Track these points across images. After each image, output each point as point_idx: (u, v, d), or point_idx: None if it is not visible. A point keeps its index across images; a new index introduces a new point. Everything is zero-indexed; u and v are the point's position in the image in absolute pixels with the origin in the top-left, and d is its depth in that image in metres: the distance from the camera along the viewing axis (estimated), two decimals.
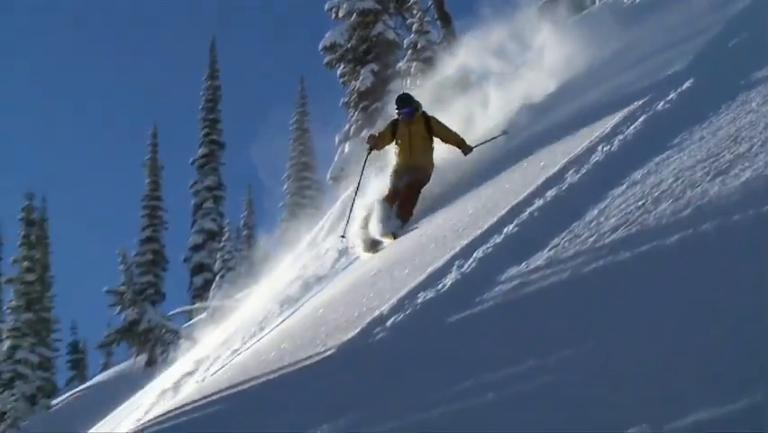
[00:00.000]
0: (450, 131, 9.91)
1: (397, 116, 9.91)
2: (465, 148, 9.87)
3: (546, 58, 13.08)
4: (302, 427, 3.73)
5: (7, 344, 32.60)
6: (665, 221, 3.83)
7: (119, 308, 31.04)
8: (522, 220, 4.81)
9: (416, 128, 9.73)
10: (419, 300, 4.84)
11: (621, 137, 4.97)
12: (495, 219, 5.12)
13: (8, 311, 34.07)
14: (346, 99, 25.47)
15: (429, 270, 5.06)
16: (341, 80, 25.62)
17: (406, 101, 9.84)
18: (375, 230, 8.94)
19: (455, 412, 3.06)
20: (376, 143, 9.91)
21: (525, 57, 14.85)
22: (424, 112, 9.98)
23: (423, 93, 13.74)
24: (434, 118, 9.95)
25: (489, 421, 2.82)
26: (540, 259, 4.39)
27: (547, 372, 2.97)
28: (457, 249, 5.11)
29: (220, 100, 37.49)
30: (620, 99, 6.61)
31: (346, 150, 25.12)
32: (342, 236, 10.49)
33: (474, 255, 4.85)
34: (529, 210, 4.84)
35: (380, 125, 12.49)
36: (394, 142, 9.88)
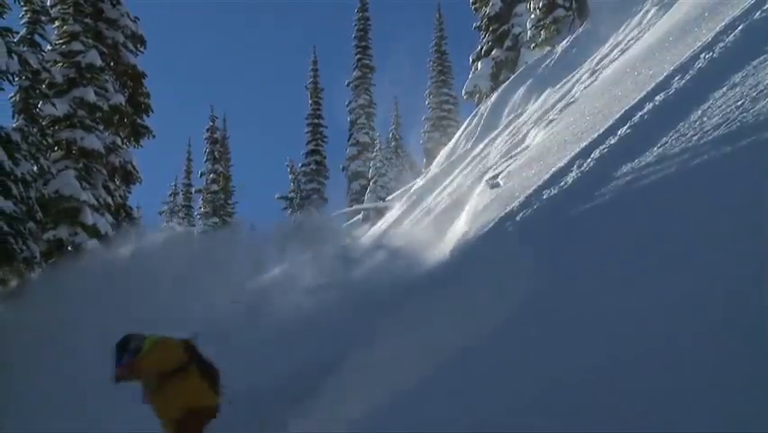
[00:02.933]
0: None
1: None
2: None
3: None
4: None
5: None
6: (763, 118, 4.22)
7: (289, 211, 36.26)
8: (634, 123, 5.27)
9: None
10: (544, 197, 5.47)
11: (722, 45, 5.27)
12: (610, 123, 5.60)
13: (198, 217, 38.60)
14: (478, 23, 28.54)
15: (552, 170, 5.66)
16: (473, 7, 28.82)
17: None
18: None
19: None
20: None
21: None
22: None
23: None
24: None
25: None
26: (651, 156, 4.84)
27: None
28: (577, 150, 5.65)
29: (370, 29, 41.40)
30: (721, 12, 6.68)
31: (479, 68, 27.89)
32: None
33: (592, 155, 5.40)
34: (640, 114, 5.29)
35: None
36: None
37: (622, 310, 3.27)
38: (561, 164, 5.69)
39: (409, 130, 44.67)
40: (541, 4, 23.99)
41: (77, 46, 16.26)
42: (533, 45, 24.17)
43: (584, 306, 3.61)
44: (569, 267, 4.21)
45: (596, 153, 5.40)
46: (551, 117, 10.29)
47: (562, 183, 5.41)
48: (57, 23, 16.68)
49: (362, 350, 5.30)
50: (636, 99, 5.61)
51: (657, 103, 5.31)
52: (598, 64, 12.21)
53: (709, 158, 4.31)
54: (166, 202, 40.39)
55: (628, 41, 12.07)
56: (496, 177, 8.54)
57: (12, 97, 14.51)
